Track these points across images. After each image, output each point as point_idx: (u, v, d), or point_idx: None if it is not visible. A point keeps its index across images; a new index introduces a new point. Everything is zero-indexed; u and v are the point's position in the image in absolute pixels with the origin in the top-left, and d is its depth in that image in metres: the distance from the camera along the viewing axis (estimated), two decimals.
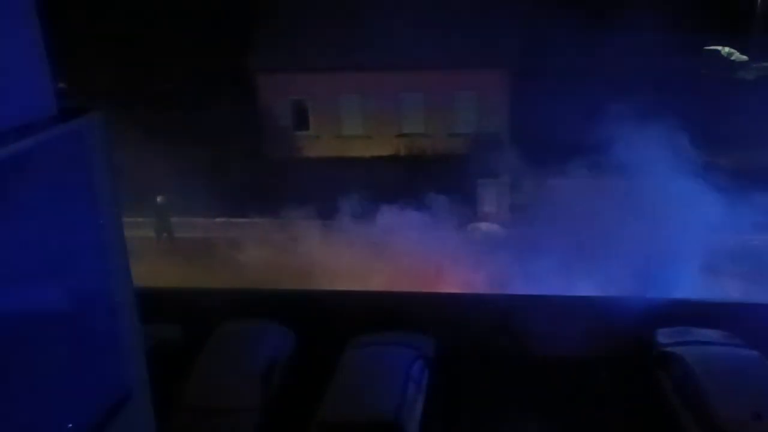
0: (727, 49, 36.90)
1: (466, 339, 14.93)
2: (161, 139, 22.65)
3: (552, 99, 22.34)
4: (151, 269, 17.35)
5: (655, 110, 18.40)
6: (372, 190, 21.32)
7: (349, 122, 29.05)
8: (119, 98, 25.90)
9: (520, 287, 16.83)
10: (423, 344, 14.15)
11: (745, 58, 36.70)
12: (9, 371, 4.44)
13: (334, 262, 18.95)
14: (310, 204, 21.52)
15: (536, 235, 18.77)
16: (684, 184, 17.53)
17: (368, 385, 12.60)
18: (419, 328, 14.69)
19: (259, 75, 28.67)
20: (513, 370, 14.49)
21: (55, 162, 4.81)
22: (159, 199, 23.26)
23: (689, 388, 12.41)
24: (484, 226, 22.44)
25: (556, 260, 16.82)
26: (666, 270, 17.02)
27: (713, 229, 17.29)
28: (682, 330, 14.20)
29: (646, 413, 13.36)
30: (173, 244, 23.19)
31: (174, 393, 12.80)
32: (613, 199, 18.20)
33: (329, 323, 14.96)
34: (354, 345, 14.09)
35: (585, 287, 16.56)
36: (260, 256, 20.69)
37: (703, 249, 17.39)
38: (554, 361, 14.41)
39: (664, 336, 14.06)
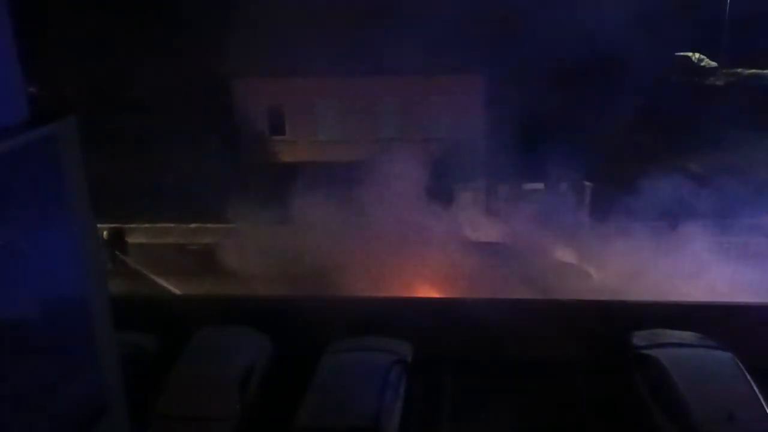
0: (697, 55, 37.52)
1: (444, 344, 14.93)
2: (135, 145, 22.35)
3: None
4: None
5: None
6: (348, 195, 21.28)
7: (326, 127, 28.98)
8: (91, 104, 25.57)
9: None
10: (400, 349, 14.10)
11: (714, 64, 37.38)
12: None
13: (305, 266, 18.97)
14: (285, 209, 21.43)
15: None
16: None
17: (346, 390, 12.54)
18: (396, 334, 14.66)
19: (234, 80, 28.48)
20: (490, 374, 14.51)
21: (27, 167, 4.72)
22: (105, 234, 21.51)
23: (665, 390, 12.55)
24: None
25: None
26: None
27: None
28: (657, 332, 14.37)
29: (622, 415, 13.46)
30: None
31: (150, 402, 12.63)
32: None
33: (306, 329, 14.84)
34: (331, 350, 14.00)
35: None
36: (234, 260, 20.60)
37: None
38: (532, 365, 14.47)
39: (639, 338, 14.19)
